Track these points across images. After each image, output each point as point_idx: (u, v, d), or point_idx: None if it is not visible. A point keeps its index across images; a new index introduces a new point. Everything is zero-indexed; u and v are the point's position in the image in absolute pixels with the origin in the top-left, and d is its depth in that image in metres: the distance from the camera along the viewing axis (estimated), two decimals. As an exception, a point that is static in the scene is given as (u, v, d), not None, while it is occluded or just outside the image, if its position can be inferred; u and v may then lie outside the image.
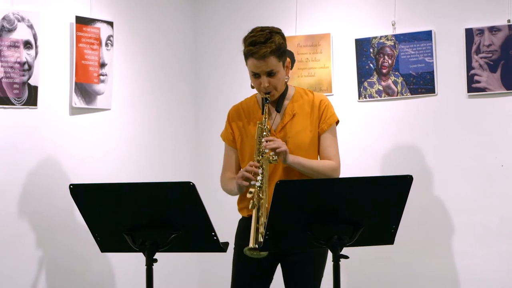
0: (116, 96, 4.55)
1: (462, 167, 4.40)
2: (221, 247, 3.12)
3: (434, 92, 4.46)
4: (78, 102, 4.29)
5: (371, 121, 4.64)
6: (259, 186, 3.25)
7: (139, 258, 3.23)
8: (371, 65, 4.60)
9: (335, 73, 4.72)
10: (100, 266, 4.45)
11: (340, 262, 2.99)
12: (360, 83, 4.64)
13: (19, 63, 3.98)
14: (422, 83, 4.48)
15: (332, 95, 4.66)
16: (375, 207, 2.99)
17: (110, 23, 4.47)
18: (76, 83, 4.26)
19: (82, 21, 4.30)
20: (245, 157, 3.50)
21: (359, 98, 4.65)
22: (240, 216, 3.57)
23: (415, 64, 4.49)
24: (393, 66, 4.54)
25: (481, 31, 4.30)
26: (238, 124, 3.57)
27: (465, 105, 4.39)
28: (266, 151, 3.30)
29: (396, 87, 4.54)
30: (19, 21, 3.97)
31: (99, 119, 4.47)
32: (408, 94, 4.52)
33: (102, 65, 4.41)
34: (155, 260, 3.11)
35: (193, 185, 2.96)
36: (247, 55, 3.42)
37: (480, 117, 4.36)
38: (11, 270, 3.97)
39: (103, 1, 4.48)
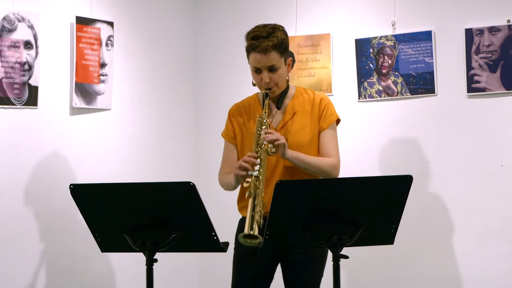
0: (116, 96, 4.55)
1: (462, 167, 4.40)
2: (221, 247, 3.13)
3: (434, 92, 4.46)
4: (78, 102, 4.30)
5: (371, 121, 4.64)
6: (256, 176, 3.24)
7: (139, 258, 3.23)
8: (371, 65, 4.61)
9: (335, 73, 4.73)
10: (100, 266, 4.45)
11: (340, 262, 3.00)
12: (360, 83, 4.64)
13: (19, 63, 3.98)
14: (422, 83, 4.48)
15: (332, 95, 4.67)
16: (375, 207, 2.99)
17: (110, 23, 4.47)
18: (76, 83, 4.26)
19: (83, 21, 4.30)
20: (245, 153, 3.49)
21: (359, 98, 4.65)
22: (240, 216, 3.57)
23: (415, 64, 4.49)
24: (393, 66, 4.55)
25: (480, 31, 4.31)
26: (239, 120, 3.57)
27: (465, 105, 4.39)
28: (265, 143, 3.30)
29: (396, 87, 4.55)
30: (19, 21, 3.97)
31: (99, 119, 4.47)
32: (408, 94, 4.52)
33: (102, 65, 4.41)
34: (155, 260, 3.11)
35: (193, 185, 2.96)
36: (249, 49, 3.42)
37: (480, 117, 4.37)
38: (11, 270, 3.97)
39: (103, 1, 4.49)
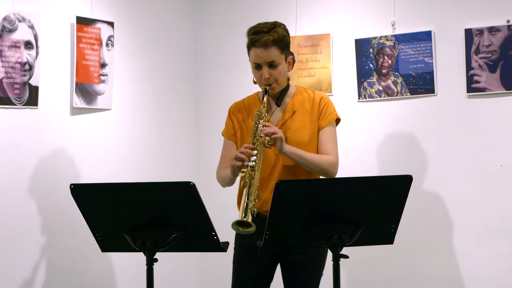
0: (117, 96, 4.55)
1: (462, 167, 4.41)
2: (222, 247, 3.13)
3: (434, 92, 4.46)
4: (79, 102, 4.30)
5: (371, 121, 4.64)
6: (252, 166, 3.24)
7: (139, 258, 3.24)
8: (371, 65, 4.61)
9: (335, 73, 4.73)
10: (101, 266, 4.45)
11: (340, 262, 3.00)
12: (360, 83, 4.65)
13: (20, 63, 3.99)
14: (421, 83, 4.48)
15: (332, 95, 4.67)
16: (375, 207, 2.99)
17: (111, 24, 4.47)
18: (76, 83, 4.27)
19: (83, 22, 4.30)
20: None
21: (359, 98, 4.66)
22: (240, 216, 3.57)
23: (414, 64, 4.50)
24: (393, 66, 4.55)
25: (480, 31, 4.31)
26: (238, 117, 3.57)
27: (465, 105, 4.39)
28: (262, 135, 3.30)
29: (396, 87, 4.55)
30: (20, 21, 3.98)
31: (99, 119, 4.48)
32: (408, 94, 4.53)
33: (103, 65, 4.42)
34: (156, 260, 3.11)
35: (194, 185, 2.96)
36: (250, 44, 3.43)
37: (480, 117, 4.37)
38: (11, 270, 3.97)
39: (103, 1, 4.49)
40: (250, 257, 3.46)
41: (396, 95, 4.56)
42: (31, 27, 4.02)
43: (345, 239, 3.00)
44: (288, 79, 3.55)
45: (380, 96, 4.60)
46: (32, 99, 4.05)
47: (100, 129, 4.49)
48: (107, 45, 4.44)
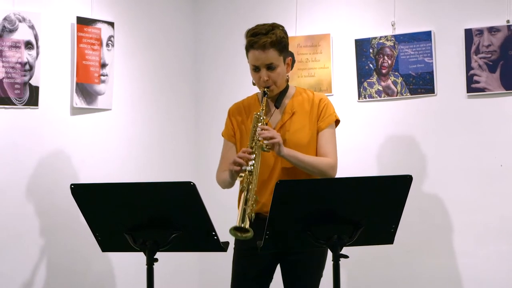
0: (117, 96, 4.56)
1: (462, 167, 4.41)
2: (222, 247, 3.13)
3: (434, 92, 4.47)
4: (79, 102, 4.30)
5: (371, 121, 4.65)
6: (250, 171, 3.24)
7: (139, 258, 3.24)
8: (371, 65, 4.61)
9: (335, 73, 4.73)
10: (101, 265, 4.45)
11: (340, 262, 3.00)
12: (360, 83, 4.65)
13: (20, 63, 3.99)
14: (421, 83, 4.49)
15: (332, 95, 4.67)
16: (374, 207, 2.99)
17: (111, 24, 4.48)
18: (77, 83, 4.27)
19: (83, 22, 4.30)
20: None
21: (359, 98, 4.66)
22: (239, 216, 3.57)
23: (414, 64, 4.50)
24: (393, 67, 4.55)
25: (480, 31, 4.31)
26: (238, 119, 3.57)
27: (465, 105, 4.40)
28: (260, 139, 3.30)
29: (396, 87, 4.55)
30: (20, 21, 3.98)
31: (99, 119, 4.48)
32: (408, 94, 4.53)
33: (103, 65, 4.42)
34: (156, 260, 3.11)
35: (194, 185, 2.96)
36: (248, 46, 3.42)
37: (480, 117, 4.37)
38: (11, 270, 3.98)
39: (103, 1, 4.49)
40: (250, 257, 3.46)
41: (396, 95, 4.56)
42: (32, 27, 4.03)
43: (345, 239, 3.00)
44: (287, 80, 3.54)
45: (380, 96, 4.60)
46: (32, 99, 4.05)
47: (100, 129, 4.49)
48: (107, 45, 4.44)
